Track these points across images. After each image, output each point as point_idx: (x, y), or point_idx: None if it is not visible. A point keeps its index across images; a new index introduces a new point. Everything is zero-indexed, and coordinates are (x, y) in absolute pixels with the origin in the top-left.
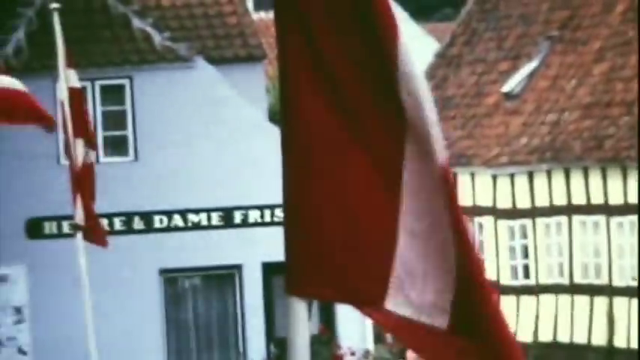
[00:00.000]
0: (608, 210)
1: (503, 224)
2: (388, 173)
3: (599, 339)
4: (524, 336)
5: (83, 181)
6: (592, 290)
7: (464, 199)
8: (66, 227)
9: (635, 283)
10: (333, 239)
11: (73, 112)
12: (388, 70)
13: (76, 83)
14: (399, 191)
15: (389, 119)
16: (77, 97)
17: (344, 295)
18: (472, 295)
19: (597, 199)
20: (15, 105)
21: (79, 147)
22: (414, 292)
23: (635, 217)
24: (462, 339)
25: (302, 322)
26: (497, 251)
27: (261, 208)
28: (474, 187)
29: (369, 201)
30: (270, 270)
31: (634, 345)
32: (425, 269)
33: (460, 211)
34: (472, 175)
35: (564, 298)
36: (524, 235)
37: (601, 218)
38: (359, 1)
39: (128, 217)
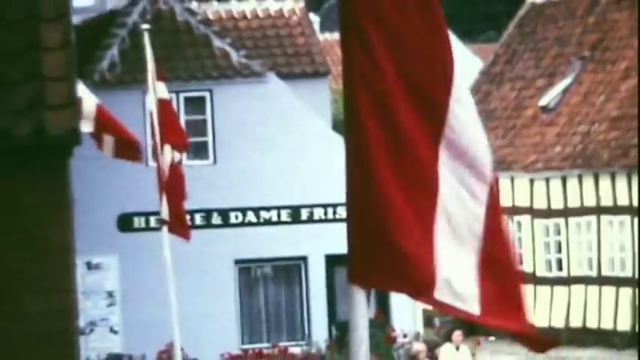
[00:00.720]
0: (632, 211)
1: (539, 223)
2: (427, 178)
3: (624, 325)
4: (557, 322)
5: (171, 181)
6: (618, 282)
7: (504, 200)
8: (153, 222)
9: None
10: (389, 235)
11: (162, 121)
12: (441, 94)
13: (165, 95)
14: (436, 194)
15: (429, 133)
16: (166, 107)
17: (400, 285)
18: (504, 286)
19: (623, 201)
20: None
21: (167, 151)
22: (453, 284)
23: None
24: (495, 321)
25: (362, 307)
26: (533, 246)
27: (324, 206)
28: (513, 190)
29: (415, 203)
30: (332, 261)
31: None
32: (458, 264)
33: (501, 218)
34: (512, 179)
35: (593, 289)
36: (558, 233)
37: (626, 218)
38: (422, 31)
39: (207, 213)
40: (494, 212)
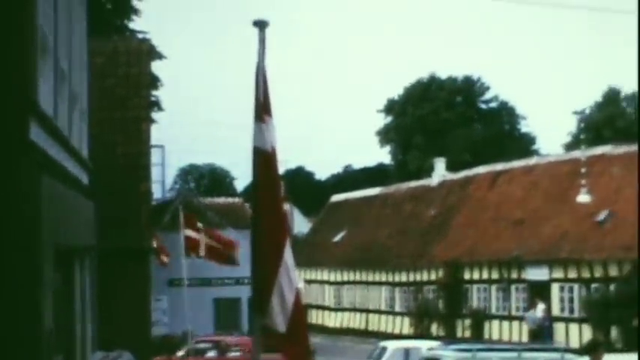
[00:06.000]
0: (373, 283)
1: (333, 287)
2: (277, 266)
3: (381, 329)
4: (346, 325)
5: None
6: (368, 311)
7: (318, 278)
8: (181, 282)
9: (383, 308)
10: (267, 292)
11: (187, 244)
12: (282, 244)
13: (189, 234)
14: (276, 283)
15: (276, 264)
16: (190, 239)
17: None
18: (298, 319)
19: (372, 279)
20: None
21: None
22: (276, 318)
23: (387, 287)
24: (291, 338)
25: (259, 320)
26: (331, 297)
27: (247, 278)
28: (322, 274)
29: (270, 285)
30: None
31: (383, 329)
32: (282, 307)
33: (301, 297)
34: (322, 269)
35: (357, 314)
36: (340, 291)
37: (370, 286)
38: (278, 209)
39: (204, 280)
40: (297, 296)
